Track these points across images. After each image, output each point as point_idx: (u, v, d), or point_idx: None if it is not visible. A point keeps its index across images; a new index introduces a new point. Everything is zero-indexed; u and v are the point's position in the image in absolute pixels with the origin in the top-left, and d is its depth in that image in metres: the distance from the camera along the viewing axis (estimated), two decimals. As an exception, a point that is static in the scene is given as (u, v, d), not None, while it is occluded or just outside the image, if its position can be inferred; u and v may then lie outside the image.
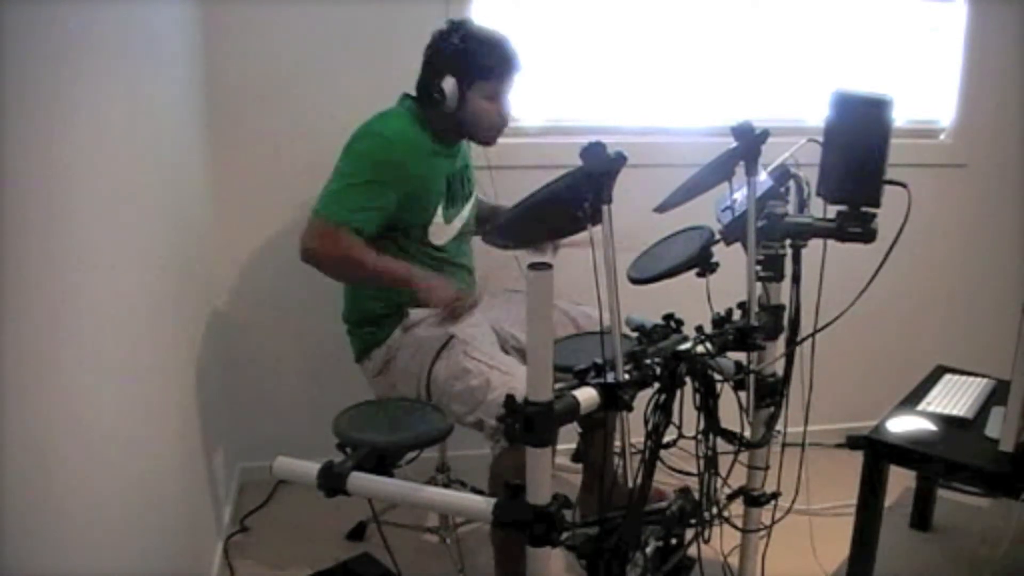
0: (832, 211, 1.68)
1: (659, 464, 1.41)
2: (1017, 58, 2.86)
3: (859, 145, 1.64)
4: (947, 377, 2.35)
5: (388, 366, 2.13)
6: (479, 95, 2.05)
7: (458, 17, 2.14)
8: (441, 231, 2.13)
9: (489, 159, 2.25)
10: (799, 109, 2.73)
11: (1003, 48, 2.84)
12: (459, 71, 2.02)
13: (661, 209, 1.67)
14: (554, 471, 1.32)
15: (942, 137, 2.95)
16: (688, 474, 1.58)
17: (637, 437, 1.38)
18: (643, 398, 1.38)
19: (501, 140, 2.16)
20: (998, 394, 2.20)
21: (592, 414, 1.30)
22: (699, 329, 1.54)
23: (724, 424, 1.56)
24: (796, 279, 1.70)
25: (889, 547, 2.18)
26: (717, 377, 1.52)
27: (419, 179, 2.05)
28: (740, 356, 1.64)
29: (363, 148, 2.03)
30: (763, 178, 1.68)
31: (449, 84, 2.01)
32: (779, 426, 1.77)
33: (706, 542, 1.54)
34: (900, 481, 2.56)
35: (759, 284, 1.70)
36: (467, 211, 2.22)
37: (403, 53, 2.12)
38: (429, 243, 2.12)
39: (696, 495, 1.52)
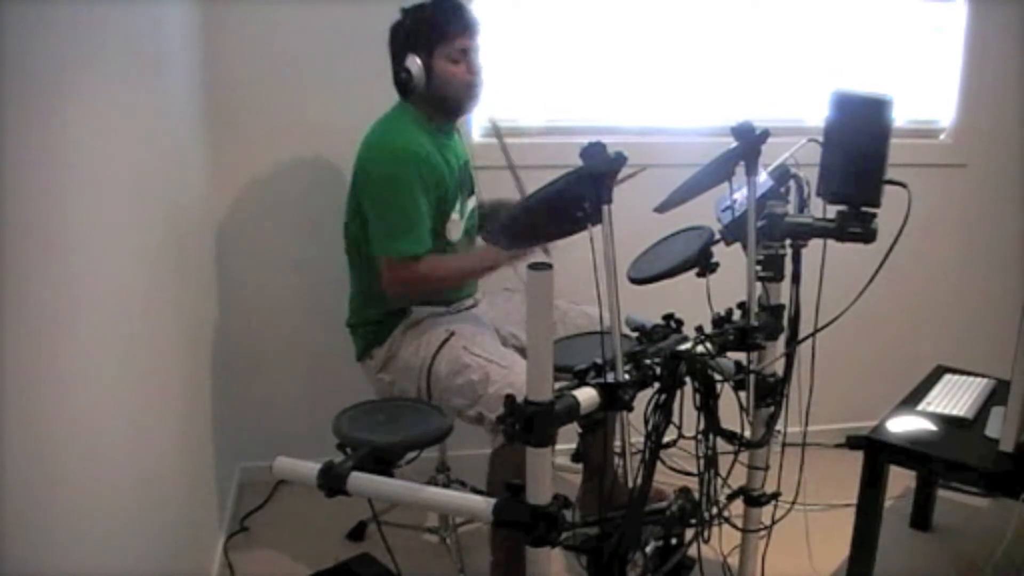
0: (832, 211, 1.68)
1: (659, 464, 1.41)
2: (1017, 58, 2.86)
3: (859, 145, 1.63)
4: (947, 377, 2.35)
5: (389, 363, 2.14)
6: (443, 60, 2.04)
7: None
8: (456, 227, 2.15)
9: (489, 159, 2.25)
10: (799, 109, 2.73)
11: (1003, 48, 2.84)
12: (417, 44, 2.03)
13: (661, 209, 1.67)
14: (554, 471, 1.32)
15: (942, 137, 2.94)
16: (688, 474, 1.58)
17: (637, 437, 1.38)
18: (643, 398, 1.38)
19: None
20: (998, 394, 2.19)
21: (592, 414, 1.30)
22: (699, 329, 1.54)
23: (724, 424, 1.56)
24: (796, 279, 1.70)
25: (889, 547, 2.18)
26: (717, 377, 1.52)
27: (440, 172, 2.06)
28: (740, 356, 1.64)
29: (389, 172, 2.01)
30: (763, 178, 1.68)
31: (412, 61, 2.02)
32: (779, 426, 1.77)
33: (706, 542, 1.54)
34: (900, 481, 2.56)
35: (759, 284, 1.70)
36: (471, 206, 2.24)
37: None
38: (445, 239, 2.13)
39: (696, 495, 1.52)
